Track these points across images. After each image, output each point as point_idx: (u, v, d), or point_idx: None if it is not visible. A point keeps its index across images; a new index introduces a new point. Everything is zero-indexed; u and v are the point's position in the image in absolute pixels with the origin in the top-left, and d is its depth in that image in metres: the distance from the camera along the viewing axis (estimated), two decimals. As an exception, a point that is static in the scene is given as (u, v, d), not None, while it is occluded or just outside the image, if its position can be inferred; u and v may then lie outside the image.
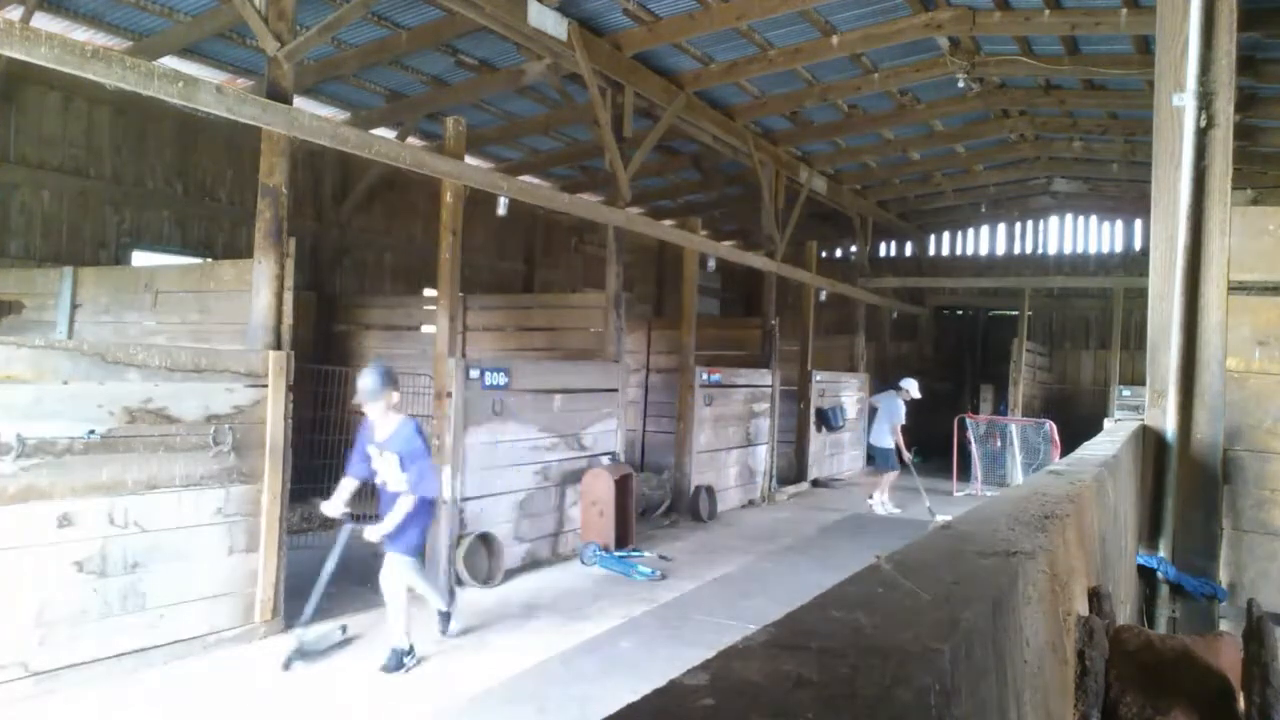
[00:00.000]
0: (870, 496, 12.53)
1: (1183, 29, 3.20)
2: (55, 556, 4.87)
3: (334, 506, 5.58)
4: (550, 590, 7.55)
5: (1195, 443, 3.20)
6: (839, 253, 21.82)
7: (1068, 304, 20.08)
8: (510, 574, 7.86)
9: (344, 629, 5.95)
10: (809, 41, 10.19)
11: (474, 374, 7.58)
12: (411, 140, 11.35)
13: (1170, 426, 3.19)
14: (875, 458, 12.55)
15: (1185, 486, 3.18)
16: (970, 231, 21.32)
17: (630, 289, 14.04)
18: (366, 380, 5.50)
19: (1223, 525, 3.25)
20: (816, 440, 14.68)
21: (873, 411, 12.96)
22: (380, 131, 11.08)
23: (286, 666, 5.38)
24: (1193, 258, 3.17)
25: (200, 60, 9.63)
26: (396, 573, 5.59)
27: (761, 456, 12.95)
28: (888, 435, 12.07)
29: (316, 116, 6.71)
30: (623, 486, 8.89)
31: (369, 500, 6.03)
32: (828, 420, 14.79)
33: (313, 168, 12.34)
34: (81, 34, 8.62)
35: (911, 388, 12.42)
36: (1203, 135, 3.17)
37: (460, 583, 7.34)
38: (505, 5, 8.09)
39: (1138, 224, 19.03)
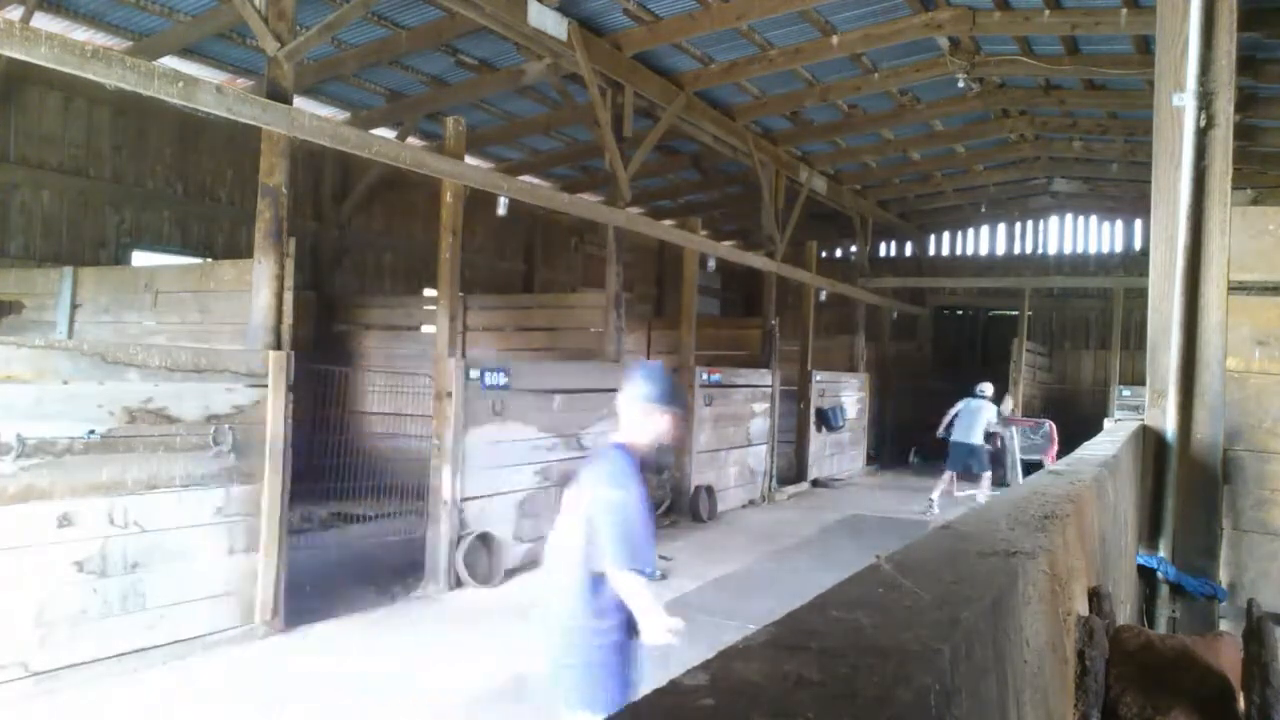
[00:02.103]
0: (971, 493, 12.35)
1: (1183, 29, 3.20)
2: (55, 556, 4.86)
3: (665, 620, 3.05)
4: (550, 590, 7.54)
5: (1195, 443, 3.20)
6: (839, 253, 21.82)
7: (1068, 304, 20.08)
8: (510, 574, 7.86)
9: None
10: (809, 41, 10.19)
11: (474, 374, 7.58)
12: (411, 140, 11.35)
13: (1170, 426, 3.19)
14: (970, 460, 12.19)
15: (1185, 486, 3.18)
16: (970, 231, 21.31)
17: (630, 289, 14.02)
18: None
19: (1223, 525, 3.25)
20: (816, 440, 14.68)
21: (954, 416, 12.64)
22: (380, 131, 11.07)
23: None
24: (1193, 258, 3.17)
25: (200, 60, 9.63)
26: None
27: (761, 456, 12.95)
28: (980, 433, 12.06)
29: (316, 116, 6.71)
30: (623, 486, 8.87)
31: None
32: (828, 420, 14.79)
33: (313, 168, 12.33)
34: (81, 34, 8.62)
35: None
36: (1203, 135, 3.17)
37: (460, 583, 7.34)
38: (505, 5, 8.09)
39: (1138, 224, 19.02)
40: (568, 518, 3.25)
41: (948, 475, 12.30)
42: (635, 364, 3.44)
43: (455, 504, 7.37)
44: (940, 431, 12.50)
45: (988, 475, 12.14)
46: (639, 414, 3.25)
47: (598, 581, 3.06)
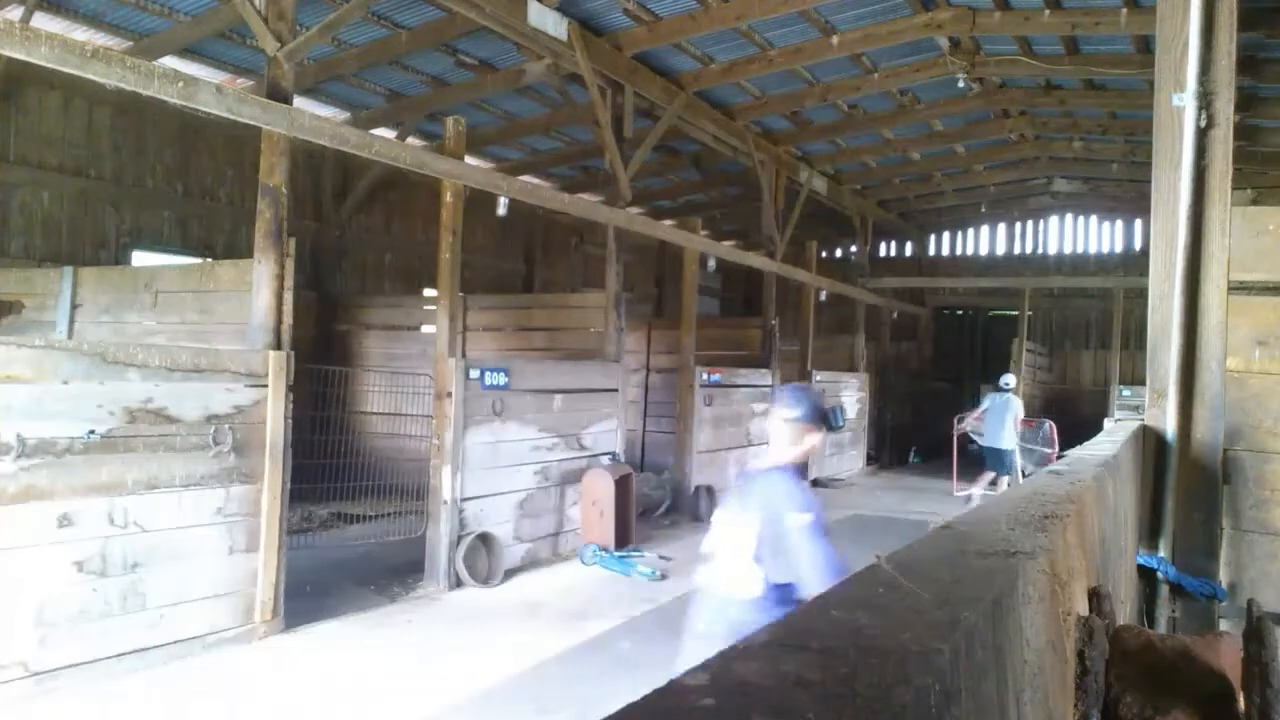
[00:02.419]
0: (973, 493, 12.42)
1: (1183, 29, 3.20)
2: (55, 556, 4.86)
3: None
4: (550, 590, 7.55)
5: (1195, 443, 3.20)
6: (839, 253, 21.82)
7: (1068, 304, 20.08)
8: (510, 574, 7.86)
9: None
10: (809, 41, 10.19)
11: (474, 374, 7.58)
12: (411, 140, 11.35)
13: (1170, 426, 3.19)
14: (999, 463, 12.19)
15: (1185, 486, 3.18)
16: (970, 231, 21.32)
17: (630, 289, 14.02)
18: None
19: (1223, 525, 3.25)
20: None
21: (983, 414, 12.61)
22: (380, 131, 11.08)
23: None
24: (1193, 258, 3.16)
25: (200, 60, 9.63)
26: None
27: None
28: (1008, 435, 12.06)
29: (316, 116, 6.71)
30: (623, 486, 8.88)
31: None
32: (828, 420, 14.75)
33: (313, 168, 12.33)
34: (81, 34, 8.62)
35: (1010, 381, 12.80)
36: (1203, 135, 3.17)
37: (460, 583, 7.34)
38: (505, 5, 8.09)
39: (1138, 224, 19.03)
40: (732, 534, 3.26)
41: (989, 475, 12.34)
42: (784, 387, 3.61)
43: (455, 504, 7.37)
44: (969, 429, 12.45)
45: (1006, 478, 12.11)
46: (792, 434, 3.36)
47: (777, 593, 3.11)
